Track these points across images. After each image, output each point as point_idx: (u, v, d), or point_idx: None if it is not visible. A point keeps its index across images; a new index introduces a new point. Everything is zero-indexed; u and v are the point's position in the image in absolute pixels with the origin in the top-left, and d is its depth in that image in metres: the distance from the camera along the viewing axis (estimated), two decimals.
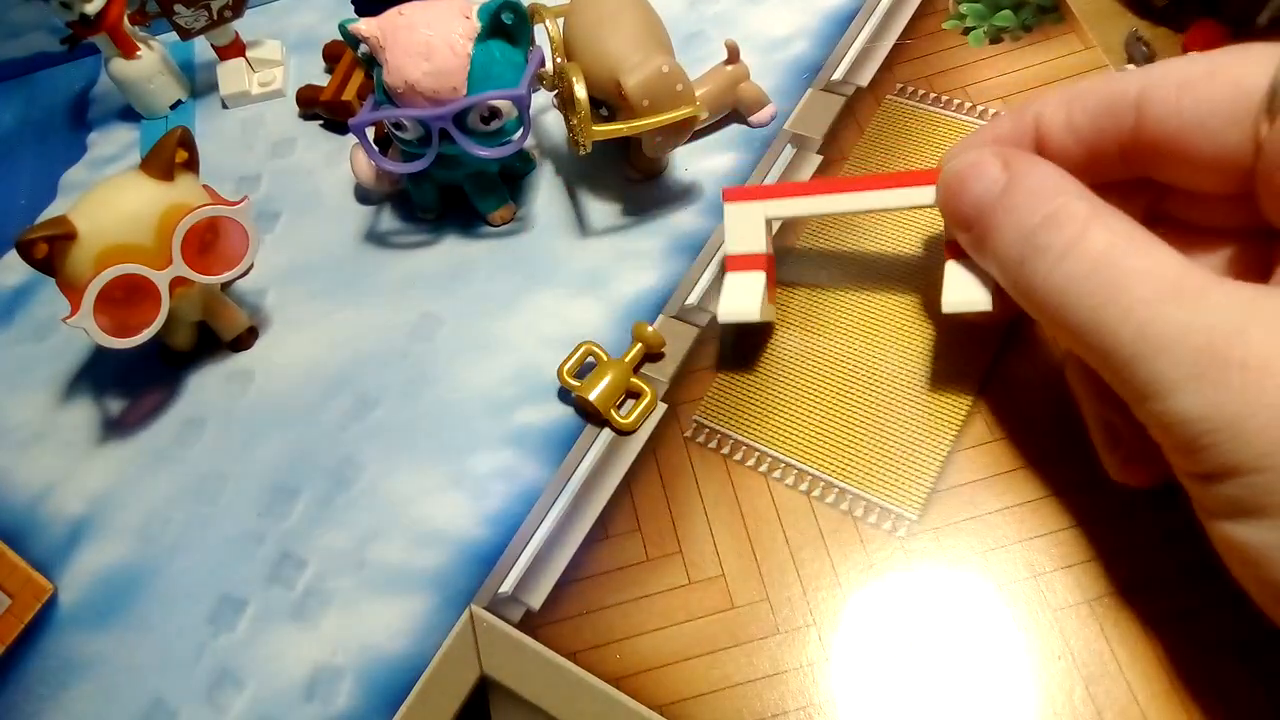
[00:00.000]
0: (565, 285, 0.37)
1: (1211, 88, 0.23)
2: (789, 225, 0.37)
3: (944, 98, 0.39)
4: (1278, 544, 0.20)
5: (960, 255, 0.28)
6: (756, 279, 0.32)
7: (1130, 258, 0.22)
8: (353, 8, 0.50)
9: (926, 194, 0.30)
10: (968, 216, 0.27)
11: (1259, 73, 0.22)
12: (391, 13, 0.35)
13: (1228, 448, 0.20)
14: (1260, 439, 0.19)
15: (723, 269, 0.33)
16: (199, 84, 0.50)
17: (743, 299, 0.32)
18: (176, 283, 0.34)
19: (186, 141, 0.35)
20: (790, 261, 0.36)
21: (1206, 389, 0.20)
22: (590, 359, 0.34)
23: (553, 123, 0.44)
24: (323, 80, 0.47)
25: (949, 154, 0.29)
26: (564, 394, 0.34)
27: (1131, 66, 0.39)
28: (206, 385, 0.38)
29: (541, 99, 0.44)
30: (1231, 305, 0.21)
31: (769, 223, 0.32)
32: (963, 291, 0.28)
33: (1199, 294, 0.21)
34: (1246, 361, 0.20)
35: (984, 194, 0.27)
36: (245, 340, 0.39)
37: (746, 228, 0.32)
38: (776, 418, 0.32)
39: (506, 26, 0.35)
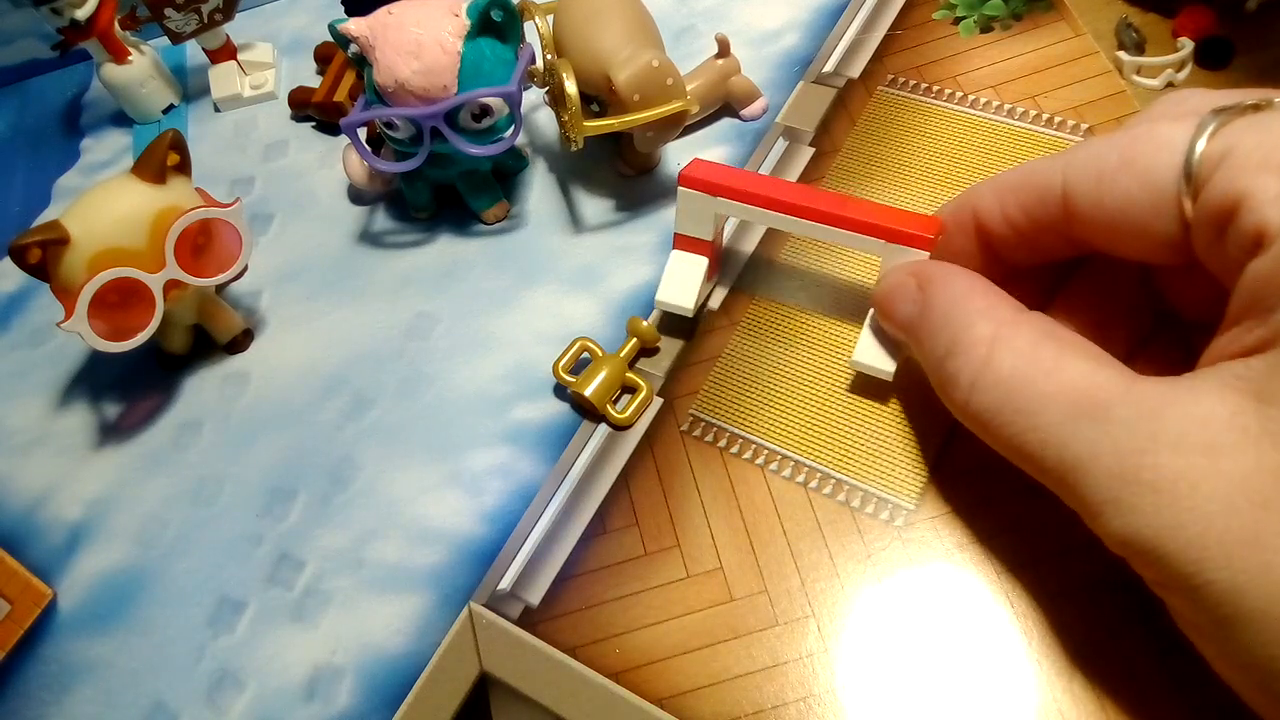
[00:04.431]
0: (559, 282, 0.37)
1: (1128, 182, 0.22)
2: None
3: (935, 88, 0.39)
4: (1224, 654, 0.20)
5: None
6: (698, 266, 0.33)
7: (1037, 380, 0.23)
8: (343, 8, 0.50)
9: (874, 244, 0.30)
10: (903, 337, 0.28)
11: (1170, 159, 0.21)
12: (381, 12, 0.35)
13: (1157, 567, 0.20)
14: (1181, 559, 0.19)
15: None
16: (191, 88, 0.50)
17: (681, 291, 0.34)
18: (170, 286, 0.34)
19: (178, 144, 0.34)
20: (790, 248, 0.36)
21: (1126, 513, 0.20)
22: (585, 355, 0.34)
23: (544, 120, 0.44)
24: (314, 82, 0.47)
25: (883, 268, 0.30)
26: (560, 390, 0.34)
27: (1122, 53, 0.39)
28: (203, 388, 0.38)
29: (533, 96, 0.44)
30: (1139, 419, 0.21)
31: (718, 215, 0.32)
32: (871, 353, 0.30)
33: (1106, 408, 0.21)
34: (1156, 485, 0.20)
35: (906, 317, 0.27)
36: (240, 343, 0.39)
37: (697, 214, 0.33)
38: (772, 410, 0.32)
39: (496, 24, 0.35)
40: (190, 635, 0.32)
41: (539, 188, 0.41)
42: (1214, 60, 0.39)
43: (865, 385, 0.32)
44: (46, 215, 0.46)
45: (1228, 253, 0.21)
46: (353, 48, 0.35)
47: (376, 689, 0.30)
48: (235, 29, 0.48)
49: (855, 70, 0.41)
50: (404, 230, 0.41)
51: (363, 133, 0.42)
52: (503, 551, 0.31)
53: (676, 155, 0.40)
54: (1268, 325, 0.20)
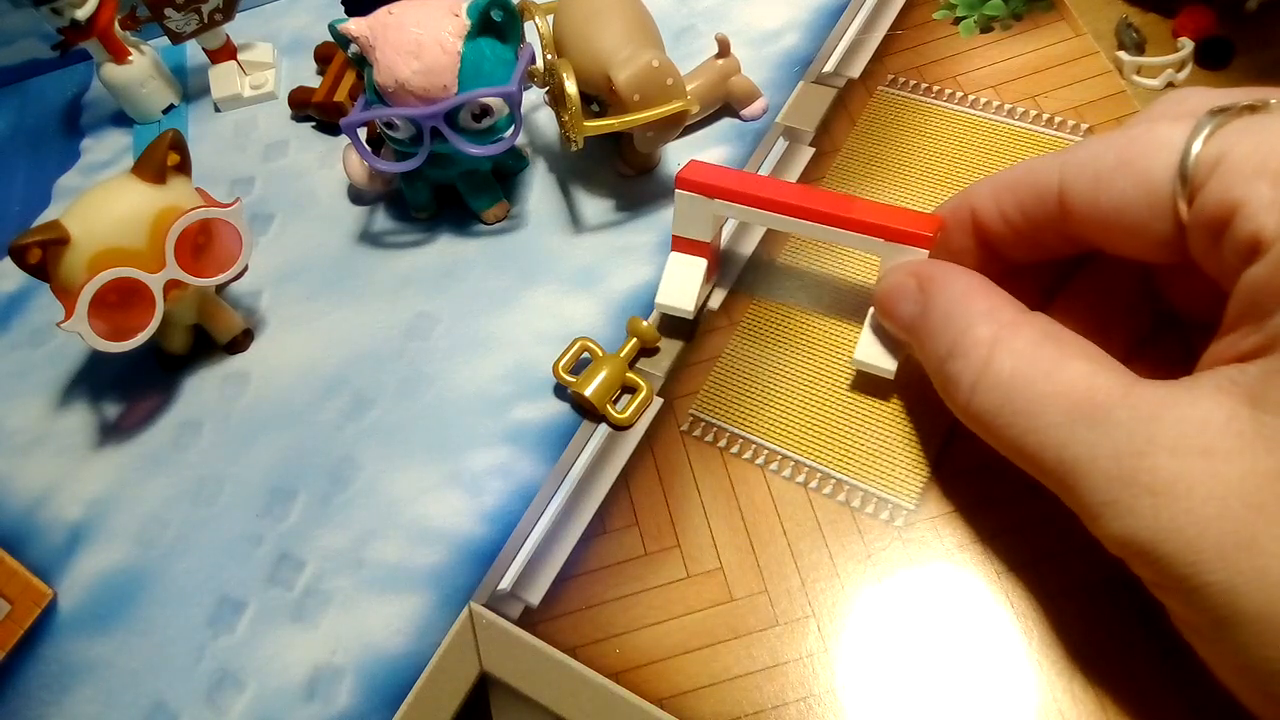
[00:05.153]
0: (559, 282, 0.37)
1: (1125, 183, 0.22)
2: None
3: (935, 88, 0.39)
4: (1222, 656, 0.20)
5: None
6: (697, 268, 0.33)
7: (1037, 381, 0.23)
8: (343, 8, 0.50)
9: (873, 244, 0.29)
10: (904, 338, 0.28)
11: (1166, 160, 0.21)
12: (381, 12, 0.35)
13: (1155, 569, 0.20)
14: (1178, 560, 0.19)
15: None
16: (191, 88, 0.50)
17: (681, 293, 0.33)
18: (170, 286, 0.34)
19: (178, 144, 0.34)
20: (790, 248, 0.36)
21: (1124, 515, 0.20)
22: (585, 355, 0.34)
23: (544, 120, 0.44)
24: (315, 82, 0.47)
25: (882, 268, 0.30)
26: (560, 390, 0.34)
27: (1123, 53, 0.39)
28: (203, 388, 0.38)
29: (533, 96, 0.44)
30: (1137, 421, 0.21)
31: (716, 216, 0.32)
32: (873, 351, 0.30)
33: (1106, 410, 0.21)
34: (1154, 487, 0.20)
35: (907, 318, 0.27)
36: (241, 343, 0.39)
37: (694, 216, 0.33)
38: (772, 410, 0.32)
39: (496, 24, 0.35)
40: (190, 635, 0.32)
41: (539, 188, 0.41)
42: (1214, 60, 0.39)
43: (865, 385, 0.32)
44: (46, 215, 0.46)
45: (1224, 258, 0.21)
46: (353, 48, 0.35)
47: (376, 689, 0.30)
48: (235, 29, 0.48)
49: (855, 70, 0.41)
50: (404, 230, 0.41)
51: (363, 133, 0.42)
52: (503, 551, 0.31)
53: (676, 155, 0.40)
54: (1263, 331, 0.20)
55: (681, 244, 0.33)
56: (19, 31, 0.51)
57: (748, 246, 0.37)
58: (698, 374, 0.34)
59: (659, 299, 0.33)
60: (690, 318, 0.34)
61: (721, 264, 0.36)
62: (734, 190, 0.31)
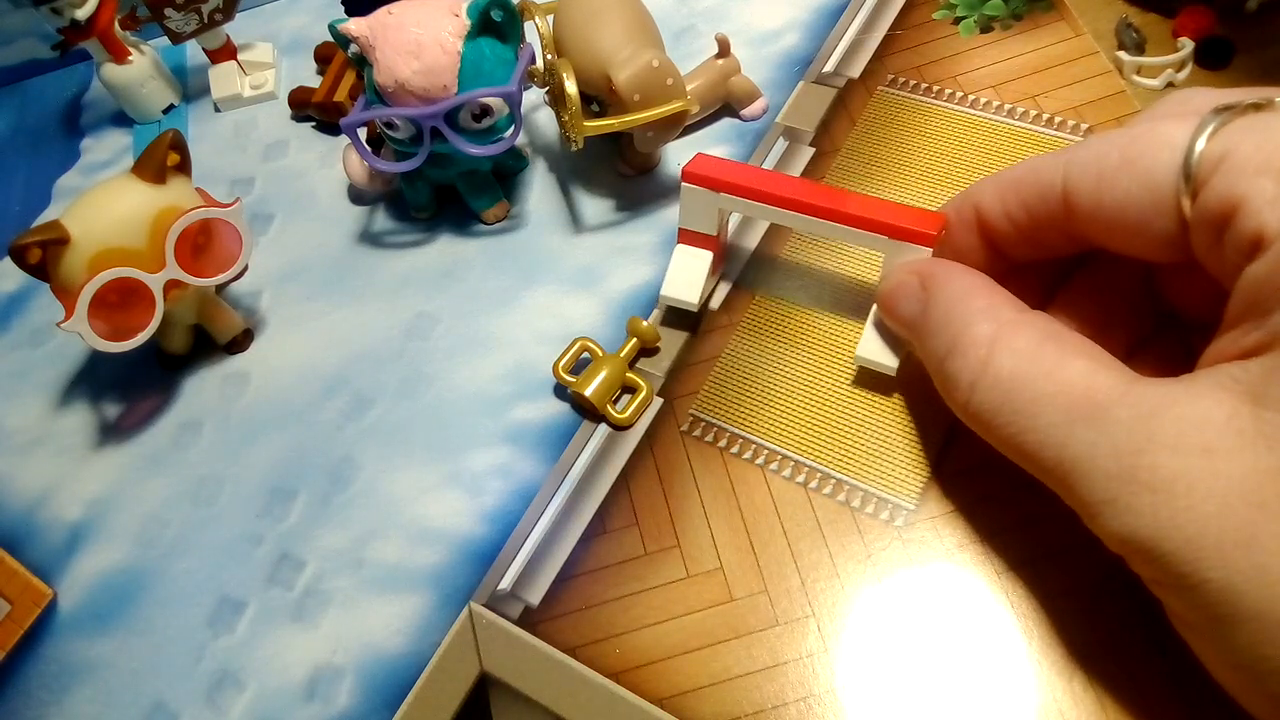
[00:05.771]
0: (560, 282, 0.37)
1: (1128, 181, 0.22)
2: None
3: (935, 88, 0.39)
4: (1219, 654, 0.20)
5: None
6: (702, 260, 0.33)
7: (1037, 380, 0.23)
8: (343, 8, 0.50)
9: (877, 241, 0.29)
10: (906, 335, 0.28)
11: (1170, 158, 0.22)
12: (381, 12, 0.35)
13: (1155, 566, 0.20)
14: (1178, 558, 0.20)
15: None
16: (191, 88, 0.50)
17: (686, 286, 0.33)
18: (170, 286, 0.34)
19: (178, 144, 0.34)
20: (792, 245, 0.36)
21: (1123, 513, 0.20)
22: (586, 355, 0.34)
23: (545, 120, 0.44)
24: (315, 82, 0.47)
25: (886, 265, 0.30)
26: (560, 390, 0.34)
27: (1123, 53, 0.39)
28: (203, 388, 0.38)
29: (533, 96, 0.44)
30: (1137, 419, 0.21)
31: (721, 210, 0.32)
32: (875, 347, 0.30)
33: (1105, 409, 0.21)
34: (1154, 485, 0.20)
35: (909, 316, 0.27)
36: (241, 342, 0.39)
37: (700, 209, 0.33)
38: (772, 410, 0.32)
39: (496, 24, 0.35)
40: (190, 635, 0.32)
41: (539, 188, 0.41)
42: (1214, 60, 0.39)
43: (865, 384, 0.32)
44: (46, 215, 0.46)
45: (1226, 255, 0.21)
46: (353, 48, 0.35)
47: (376, 689, 0.30)
48: (235, 29, 0.48)
49: (855, 70, 0.41)
50: (404, 230, 0.41)
51: (363, 133, 0.42)
52: (503, 551, 0.31)
53: (677, 155, 0.40)
54: (1264, 328, 0.20)
55: (687, 237, 0.33)
56: (19, 31, 0.51)
57: (749, 243, 0.37)
58: (698, 374, 0.34)
59: (664, 291, 0.34)
60: (694, 310, 0.34)
61: (727, 258, 0.36)
62: (739, 185, 0.31)
